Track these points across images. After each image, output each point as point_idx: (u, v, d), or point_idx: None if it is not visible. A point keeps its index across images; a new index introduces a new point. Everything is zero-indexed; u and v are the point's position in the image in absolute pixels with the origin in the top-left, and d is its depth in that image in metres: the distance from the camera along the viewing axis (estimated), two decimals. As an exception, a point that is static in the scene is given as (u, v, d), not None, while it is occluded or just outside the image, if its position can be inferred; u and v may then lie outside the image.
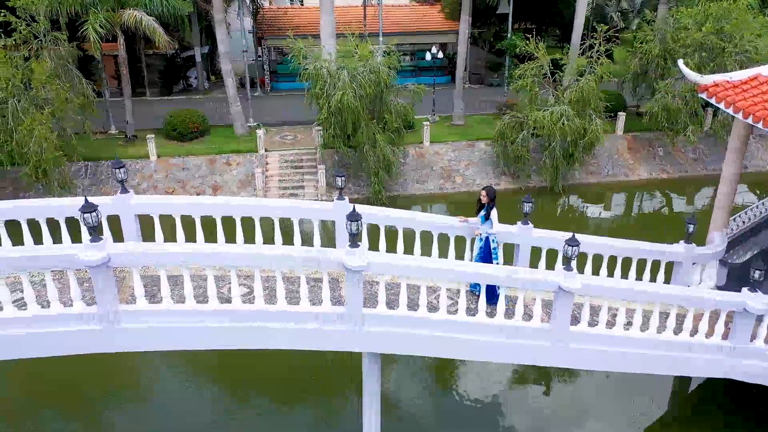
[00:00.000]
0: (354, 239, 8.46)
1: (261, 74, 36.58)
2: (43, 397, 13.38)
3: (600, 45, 23.15)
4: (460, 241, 11.35)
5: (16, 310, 8.19)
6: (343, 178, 10.54)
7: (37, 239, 10.05)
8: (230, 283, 8.74)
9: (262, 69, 36.68)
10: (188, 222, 10.40)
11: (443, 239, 11.20)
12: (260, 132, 25.61)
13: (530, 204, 10.96)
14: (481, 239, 10.41)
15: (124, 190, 10.03)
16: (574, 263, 9.08)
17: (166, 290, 8.41)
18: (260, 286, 8.64)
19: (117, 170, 9.69)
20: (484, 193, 10.37)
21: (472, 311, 9.82)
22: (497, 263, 10.44)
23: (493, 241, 10.44)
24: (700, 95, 12.12)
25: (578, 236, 11.50)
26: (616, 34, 24.04)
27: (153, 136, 24.86)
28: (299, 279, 8.79)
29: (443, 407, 13.33)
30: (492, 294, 9.85)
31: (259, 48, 36.77)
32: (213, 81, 38.77)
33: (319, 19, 35.26)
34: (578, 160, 24.93)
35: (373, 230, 11.31)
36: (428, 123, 26.92)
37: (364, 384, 10.74)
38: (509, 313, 9.72)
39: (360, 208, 10.85)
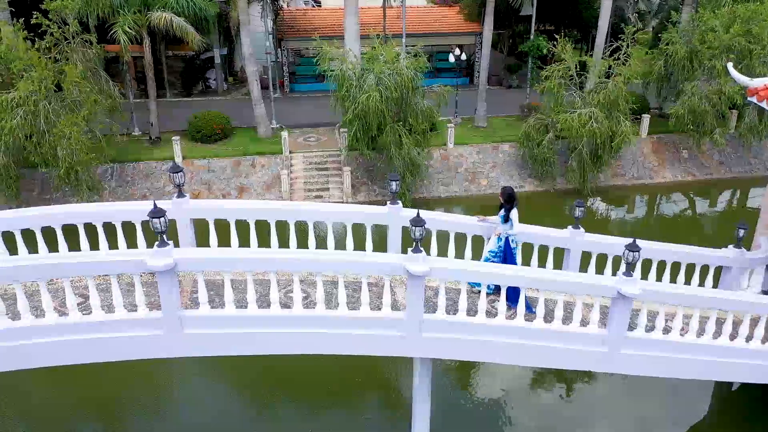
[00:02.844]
0: (417, 244, 8.44)
1: (280, 76, 36.59)
2: (71, 402, 13.27)
3: (628, 47, 23.03)
4: (478, 240, 11.26)
5: (82, 316, 8.20)
6: (397, 182, 10.51)
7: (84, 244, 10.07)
8: (284, 288, 8.73)
9: (281, 71, 36.70)
10: (226, 226, 10.38)
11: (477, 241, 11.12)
12: (284, 134, 25.62)
13: (582, 208, 10.90)
14: (500, 239, 10.32)
15: (181, 195, 10.01)
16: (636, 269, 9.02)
17: (229, 295, 8.39)
18: (322, 291, 8.61)
19: (174, 174, 9.67)
20: (500, 193, 10.34)
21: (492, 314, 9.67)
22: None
23: (512, 242, 10.35)
24: (749, 99, 12.01)
25: (622, 240, 11.53)
26: (633, 36, 23.77)
27: (178, 138, 24.90)
28: (346, 284, 8.73)
29: (493, 414, 13.22)
30: (515, 295, 9.73)
31: (278, 50, 36.79)
32: (231, 82, 38.85)
33: (338, 20, 35.53)
34: (605, 162, 24.80)
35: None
36: (452, 125, 26.85)
37: (415, 389, 10.70)
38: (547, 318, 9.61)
39: (408, 213, 10.90)
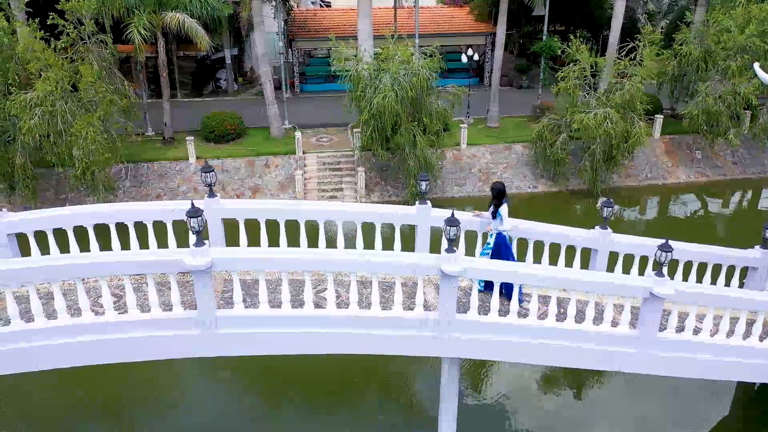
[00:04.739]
0: (451, 244, 8.43)
1: (290, 77, 36.62)
2: (71, 402, 13.20)
3: (645, 46, 22.99)
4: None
5: (117, 315, 8.22)
6: (426, 181, 10.50)
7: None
8: (313, 288, 8.72)
9: (291, 71, 36.73)
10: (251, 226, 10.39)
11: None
12: (298, 134, 25.64)
13: (610, 208, 10.84)
14: (491, 235, 10.22)
15: (212, 195, 10.04)
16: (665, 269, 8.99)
17: (264, 295, 8.40)
18: (355, 291, 8.62)
19: (206, 174, 9.70)
20: (491, 188, 10.22)
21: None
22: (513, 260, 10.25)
23: (506, 237, 10.20)
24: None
25: (650, 240, 11.53)
26: (649, 37, 23.73)
27: (192, 138, 24.95)
28: (372, 284, 8.74)
29: (520, 414, 13.21)
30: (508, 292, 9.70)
31: (289, 50, 36.83)
32: (241, 82, 38.90)
33: (348, 20, 35.63)
34: (618, 163, 24.75)
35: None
36: (464, 125, 26.84)
37: (442, 389, 10.71)
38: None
39: (437, 212, 10.90)
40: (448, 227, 8.32)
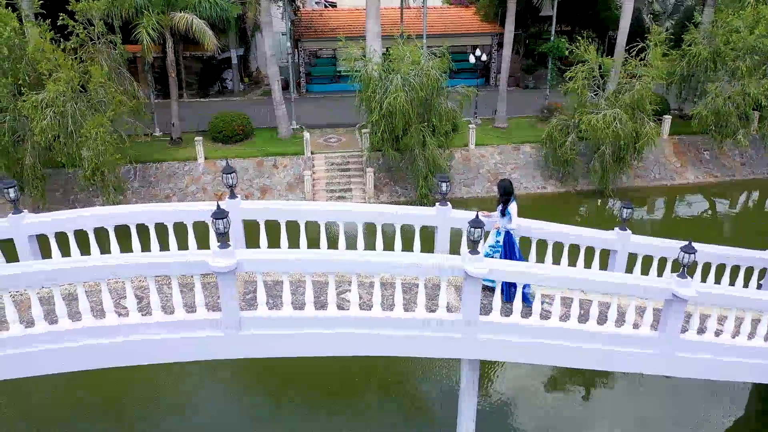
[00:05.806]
0: (474, 246, 8.40)
1: (296, 77, 36.61)
2: (70, 402, 13.12)
3: (656, 45, 22.96)
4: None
5: (141, 317, 8.20)
6: (447, 183, 10.48)
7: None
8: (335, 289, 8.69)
9: (297, 72, 36.72)
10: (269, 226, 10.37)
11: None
12: (306, 134, 25.61)
13: (630, 210, 10.80)
14: (498, 233, 10.13)
15: (233, 196, 10.01)
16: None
17: (287, 297, 8.38)
18: (379, 292, 8.59)
19: (227, 175, 9.67)
20: (497, 186, 10.20)
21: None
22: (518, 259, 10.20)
23: (513, 236, 10.11)
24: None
25: (666, 241, 11.50)
26: (659, 37, 23.69)
27: (201, 138, 24.93)
28: (396, 285, 8.71)
29: (532, 414, 13.18)
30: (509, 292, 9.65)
31: (295, 50, 36.81)
32: (246, 83, 38.90)
33: (354, 20, 35.61)
34: (628, 164, 24.72)
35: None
36: (473, 126, 26.81)
37: (462, 390, 10.65)
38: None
39: (457, 214, 10.87)
40: (472, 229, 8.28)
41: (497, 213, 10.23)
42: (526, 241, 11.08)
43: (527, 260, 10.70)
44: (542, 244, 11.15)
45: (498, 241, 10.16)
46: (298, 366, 12.82)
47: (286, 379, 13.57)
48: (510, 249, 10.05)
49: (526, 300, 9.77)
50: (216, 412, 12.75)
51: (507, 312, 9.40)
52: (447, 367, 14.14)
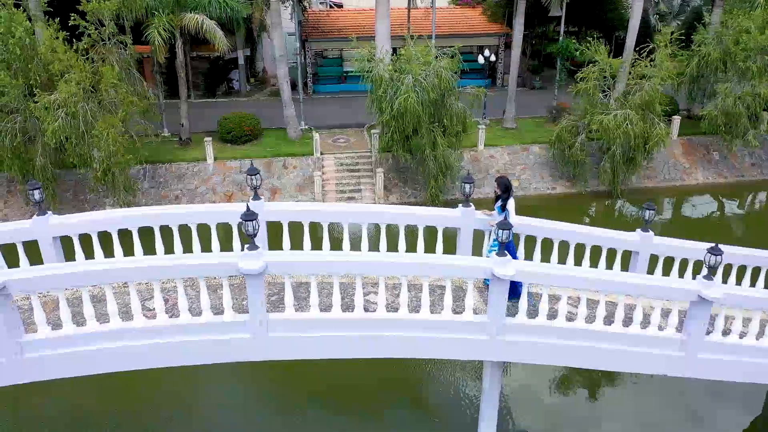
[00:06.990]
0: (502, 248, 8.38)
1: (304, 77, 36.55)
2: (72, 403, 13.01)
3: (666, 46, 22.93)
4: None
5: (169, 319, 8.17)
6: (471, 184, 10.43)
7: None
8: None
9: (304, 72, 36.67)
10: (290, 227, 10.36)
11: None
12: (316, 135, 25.60)
13: (652, 211, 10.76)
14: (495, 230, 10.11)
15: (256, 197, 9.99)
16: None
17: (315, 298, 8.36)
18: (406, 294, 8.56)
19: (251, 177, 9.66)
20: (496, 184, 10.21)
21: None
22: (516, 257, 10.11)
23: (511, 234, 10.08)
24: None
25: (689, 243, 11.46)
26: (670, 37, 23.67)
27: (210, 139, 24.90)
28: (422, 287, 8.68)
29: (548, 414, 13.15)
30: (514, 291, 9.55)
31: (302, 51, 36.76)
32: (253, 83, 38.85)
33: (362, 21, 35.58)
34: (638, 164, 24.68)
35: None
36: (482, 126, 26.78)
37: (484, 392, 10.64)
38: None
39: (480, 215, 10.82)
40: (500, 230, 8.26)
41: (496, 211, 10.23)
42: (531, 240, 11.10)
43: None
44: (547, 243, 11.09)
45: (496, 239, 10.13)
46: (317, 367, 12.67)
47: (305, 380, 13.52)
48: (510, 246, 9.99)
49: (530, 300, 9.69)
50: (233, 414, 12.72)
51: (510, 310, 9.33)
52: (467, 369, 14.12)
